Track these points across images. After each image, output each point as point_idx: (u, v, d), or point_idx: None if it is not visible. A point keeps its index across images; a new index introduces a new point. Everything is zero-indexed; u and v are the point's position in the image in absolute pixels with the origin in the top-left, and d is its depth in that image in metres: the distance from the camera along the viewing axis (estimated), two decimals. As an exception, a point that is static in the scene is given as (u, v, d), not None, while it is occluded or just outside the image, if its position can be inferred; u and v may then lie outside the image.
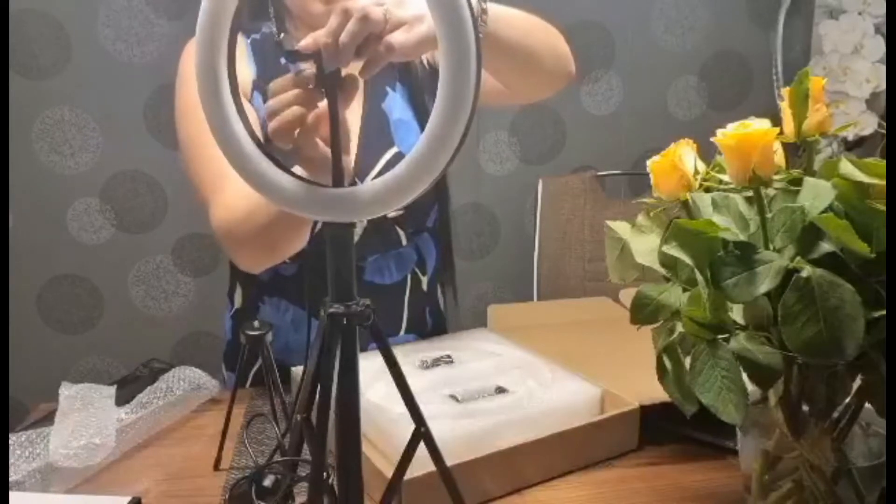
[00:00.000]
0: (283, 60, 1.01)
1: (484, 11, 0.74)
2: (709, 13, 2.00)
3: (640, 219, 0.69)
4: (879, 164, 0.54)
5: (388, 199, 0.49)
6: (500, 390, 0.87)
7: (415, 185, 0.48)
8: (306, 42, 0.55)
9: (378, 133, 1.01)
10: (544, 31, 0.91)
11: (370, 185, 0.49)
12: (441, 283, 1.17)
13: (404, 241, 1.06)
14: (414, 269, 1.10)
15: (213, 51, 0.51)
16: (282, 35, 0.98)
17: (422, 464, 0.63)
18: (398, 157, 0.99)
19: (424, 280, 1.12)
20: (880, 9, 1.75)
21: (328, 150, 0.53)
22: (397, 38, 0.60)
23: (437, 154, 0.47)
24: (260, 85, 0.99)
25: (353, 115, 1.01)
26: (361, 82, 0.58)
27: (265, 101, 0.99)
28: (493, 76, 0.90)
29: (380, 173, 0.98)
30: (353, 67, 0.58)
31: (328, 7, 0.91)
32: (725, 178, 0.62)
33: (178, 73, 0.99)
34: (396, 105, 1.03)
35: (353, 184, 0.52)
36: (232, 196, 0.86)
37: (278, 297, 1.07)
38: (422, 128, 1.03)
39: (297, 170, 0.57)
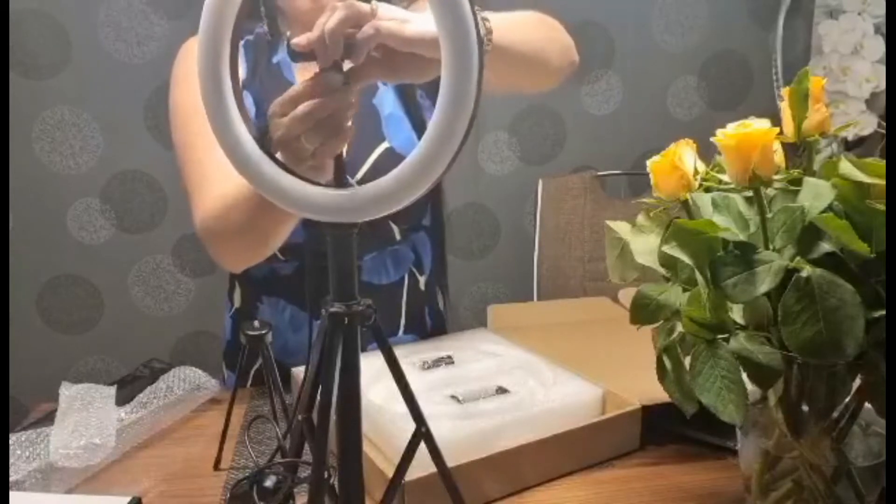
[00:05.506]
0: (273, 61, 1.01)
1: (489, 32, 0.73)
2: (709, 13, 2.00)
3: (640, 219, 0.69)
4: (879, 164, 0.54)
5: (390, 199, 0.49)
6: (502, 391, 0.87)
7: (416, 186, 0.48)
8: (299, 40, 0.55)
9: (369, 128, 1.01)
10: (545, 26, 0.90)
11: (371, 185, 0.49)
12: (439, 283, 1.17)
13: (398, 237, 1.06)
14: (411, 269, 1.10)
15: (215, 52, 0.51)
16: (287, 33, 0.99)
17: (423, 465, 0.63)
18: (389, 151, 1.00)
19: (422, 280, 1.12)
20: (880, 9, 1.75)
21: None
22: (387, 22, 0.58)
23: (438, 154, 0.46)
24: (249, 84, 0.99)
25: None
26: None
27: (255, 100, 0.99)
28: (501, 80, 0.89)
29: (371, 168, 0.98)
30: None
31: (316, 4, 0.91)
32: (725, 178, 0.63)
33: (173, 74, 0.99)
34: (387, 100, 1.03)
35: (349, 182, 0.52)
36: (210, 196, 0.86)
37: (276, 296, 1.07)
38: (413, 123, 1.04)
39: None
